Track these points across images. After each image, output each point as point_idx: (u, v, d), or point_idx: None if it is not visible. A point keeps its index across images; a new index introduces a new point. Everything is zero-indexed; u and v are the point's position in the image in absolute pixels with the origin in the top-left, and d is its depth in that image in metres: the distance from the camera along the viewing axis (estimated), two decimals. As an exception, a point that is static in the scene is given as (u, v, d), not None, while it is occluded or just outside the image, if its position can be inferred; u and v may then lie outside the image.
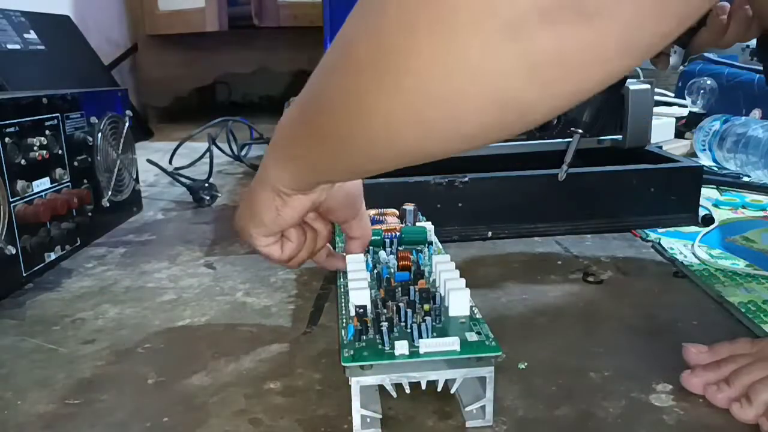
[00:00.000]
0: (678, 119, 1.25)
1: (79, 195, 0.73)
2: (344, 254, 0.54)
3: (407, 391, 0.39)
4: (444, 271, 0.46)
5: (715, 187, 0.97)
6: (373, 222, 0.61)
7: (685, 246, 0.73)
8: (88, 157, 0.78)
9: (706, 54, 1.32)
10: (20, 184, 0.63)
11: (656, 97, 1.20)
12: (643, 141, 0.86)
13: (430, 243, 0.57)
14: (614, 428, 0.40)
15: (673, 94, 1.34)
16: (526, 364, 0.48)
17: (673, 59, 0.58)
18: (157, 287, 0.67)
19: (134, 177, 0.92)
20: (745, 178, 1.00)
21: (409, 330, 0.41)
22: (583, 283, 0.64)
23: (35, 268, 0.67)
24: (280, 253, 0.50)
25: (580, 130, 0.60)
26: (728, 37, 0.52)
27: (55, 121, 0.71)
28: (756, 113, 1.19)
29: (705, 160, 1.10)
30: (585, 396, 0.44)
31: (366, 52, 0.28)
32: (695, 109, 1.29)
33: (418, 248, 0.56)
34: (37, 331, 0.57)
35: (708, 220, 0.80)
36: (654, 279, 0.64)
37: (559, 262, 0.70)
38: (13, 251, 0.62)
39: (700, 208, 0.81)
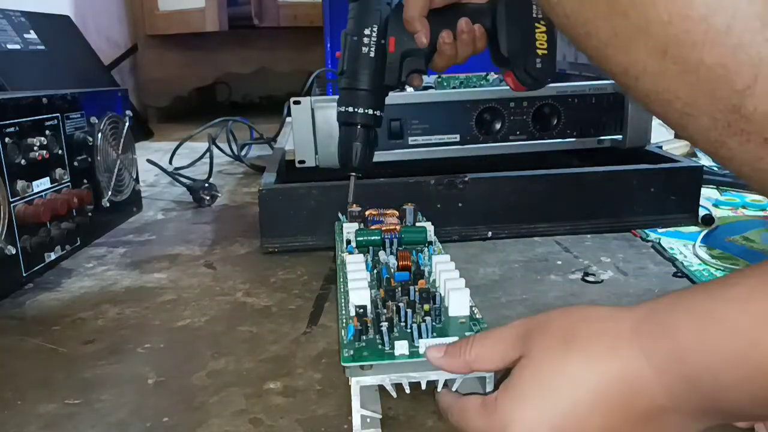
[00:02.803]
0: (678, 119, 1.25)
1: (79, 195, 0.73)
2: (344, 253, 0.54)
3: (407, 391, 0.39)
4: (444, 271, 0.46)
5: (715, 187, 0.97)
6: (373, 222, 0.61)
7: (685, 246, 0.73)
8: (88, 157, 0.78)
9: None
10: (20, 184, 0.63)
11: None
12: (643, 141, 0.87)
13: (430, 243, 0.57)
14: (614, 428, 0.40)
15: (673, 94, 1.34)
16: (526, 364, 0.48)
17: None
18: (157, 287, 0.67)
19: (134, 177, 0.92)
20: (745, 178, 1.00)
21: (409, 330, 0.41)
22: (583, 283, 0.64)
23: (35, 268, 0.67)
24: None
25: (354, 173, 0.62)
26: (460, 57, 0.58)
27: (55, 121, 0.71)
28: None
29: (705, 160, 1.10)
30: (585, 396, 0.44)
31: None
32: (695, 109, 1.29)
33: (418, 248, 0.56)
34: (37, 331, 0.58)
35: (708, 220, 0.80)
36: (654, 279, 0.64)
37: (559, 262, 0.70)
38: (13, 251, 0.62)
39: (700, 208, 0.81)
